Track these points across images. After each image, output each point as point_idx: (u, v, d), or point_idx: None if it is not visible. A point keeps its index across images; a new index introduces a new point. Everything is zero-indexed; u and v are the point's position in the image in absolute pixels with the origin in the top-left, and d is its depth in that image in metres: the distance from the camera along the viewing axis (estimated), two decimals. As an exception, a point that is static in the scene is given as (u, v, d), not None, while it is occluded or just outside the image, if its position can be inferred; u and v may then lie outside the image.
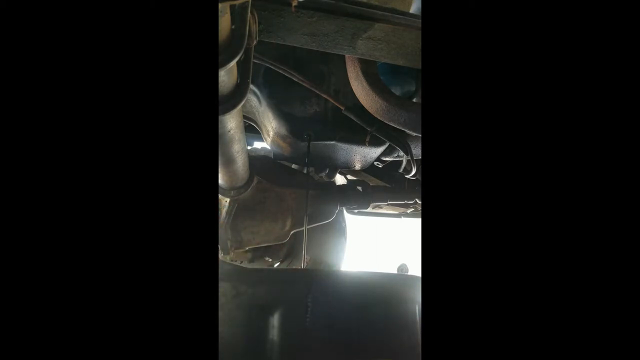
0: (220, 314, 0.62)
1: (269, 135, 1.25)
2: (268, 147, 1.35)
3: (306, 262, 1.38)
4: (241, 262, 1.64)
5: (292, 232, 1.36)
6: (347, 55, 0.98)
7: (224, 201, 1.23)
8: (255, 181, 1.24)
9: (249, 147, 1.51)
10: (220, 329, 0.61)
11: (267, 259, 1.71)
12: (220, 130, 0.79)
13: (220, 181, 1.12)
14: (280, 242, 1.39)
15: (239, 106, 0.68)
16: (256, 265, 1.67)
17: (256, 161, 1.28)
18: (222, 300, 0.63)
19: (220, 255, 1.45)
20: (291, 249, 1.71)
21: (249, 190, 1.22)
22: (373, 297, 0.67)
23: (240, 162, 1.01)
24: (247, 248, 1.42)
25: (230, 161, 0.97)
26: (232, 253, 1.41)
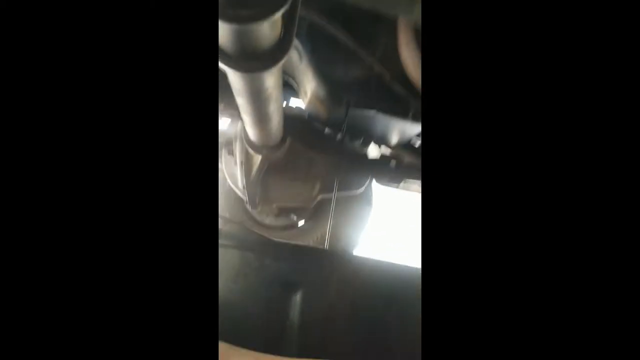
0: (242, 284, 0.62)
1: (306, 95, 1.20)
2: (303, 106, 1.29)
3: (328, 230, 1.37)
4: (267, 216, 1.67)
5: (318, 198, 1.34)
6: (400, 20, 0.88)
7: (256, 158, 1.22)
8: (288, 142, 1.21)
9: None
10: (240, 299, 0.61)
11: (293, 216, 1.73)
12: (257, 88, 0.75)
13: (254, 138, 1.10)
14: (306, 205, 1.39)
15: (280, 63, 0.63)
16: (281, 221, 1.70)
17: (291, 121, 1.24)
18: (245, 270, 0.63)
19: (249, 208, 1.47)
20: (318, 209, 1.70)
21: (281, 150, 1.20)
22: (397, 291, 0.65)
23: (275, 122, 0.98)
24: (274, 205, 1.44)
25: (264, 120, 0.94)
26: (259, 208, 1.43)
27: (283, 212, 1.69)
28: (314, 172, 1.29)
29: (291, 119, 1.24)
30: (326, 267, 0.65)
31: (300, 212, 1.69)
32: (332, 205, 1.22)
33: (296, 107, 1.29)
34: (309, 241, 1.57)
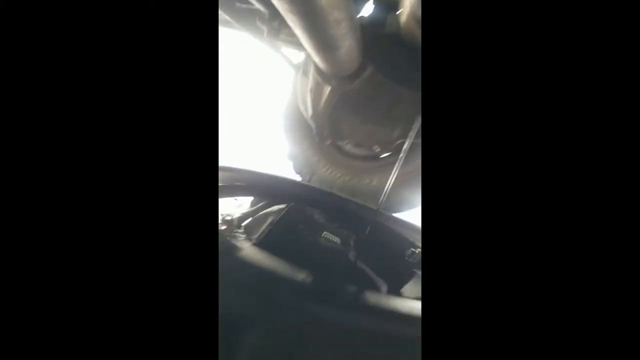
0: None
1: (401, 13, 0.92)
2: (394, 28, 1.01)
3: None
4: (346, 144, 1.53)
5: (398, 142, 1.15)
6: None
7: (327, 87, 1.04)
8: (368, 71, 0.98)
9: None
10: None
11: (375, 148, 1.55)
12: (308, 8, 0.56)
13: (322, 66, 0.91)
14: (382, 151, 1.21)
15: None
16: (360, 151, 1.54)
17: (376, 44, 0.98)
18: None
19: (316, 140, 1.34)
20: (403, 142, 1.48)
21: (357, 81, 0.99)
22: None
23: (345, 49, 0.77)
24: (345, 141, 1.29)
25: (329, 47, 0.75)
26: (328, 141, 1.31)
27: (364, 143, 1.52)
28: (397, 111, 1.07)
29: (376, 43, 0.99)
30: (305, 302, 0.44)
31: (385, 143, 1.50)
32: (403, 153, 1.01)
33: (385, 28, 1.01)
34: (384, 182, 1.42)
